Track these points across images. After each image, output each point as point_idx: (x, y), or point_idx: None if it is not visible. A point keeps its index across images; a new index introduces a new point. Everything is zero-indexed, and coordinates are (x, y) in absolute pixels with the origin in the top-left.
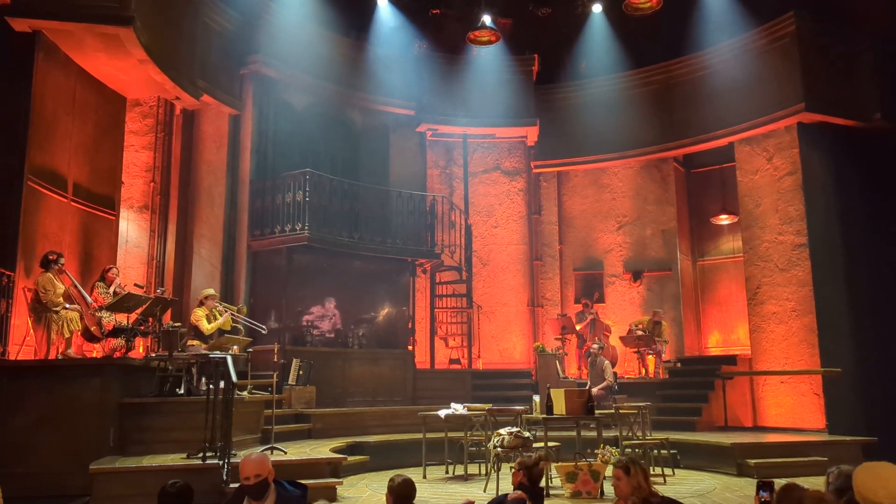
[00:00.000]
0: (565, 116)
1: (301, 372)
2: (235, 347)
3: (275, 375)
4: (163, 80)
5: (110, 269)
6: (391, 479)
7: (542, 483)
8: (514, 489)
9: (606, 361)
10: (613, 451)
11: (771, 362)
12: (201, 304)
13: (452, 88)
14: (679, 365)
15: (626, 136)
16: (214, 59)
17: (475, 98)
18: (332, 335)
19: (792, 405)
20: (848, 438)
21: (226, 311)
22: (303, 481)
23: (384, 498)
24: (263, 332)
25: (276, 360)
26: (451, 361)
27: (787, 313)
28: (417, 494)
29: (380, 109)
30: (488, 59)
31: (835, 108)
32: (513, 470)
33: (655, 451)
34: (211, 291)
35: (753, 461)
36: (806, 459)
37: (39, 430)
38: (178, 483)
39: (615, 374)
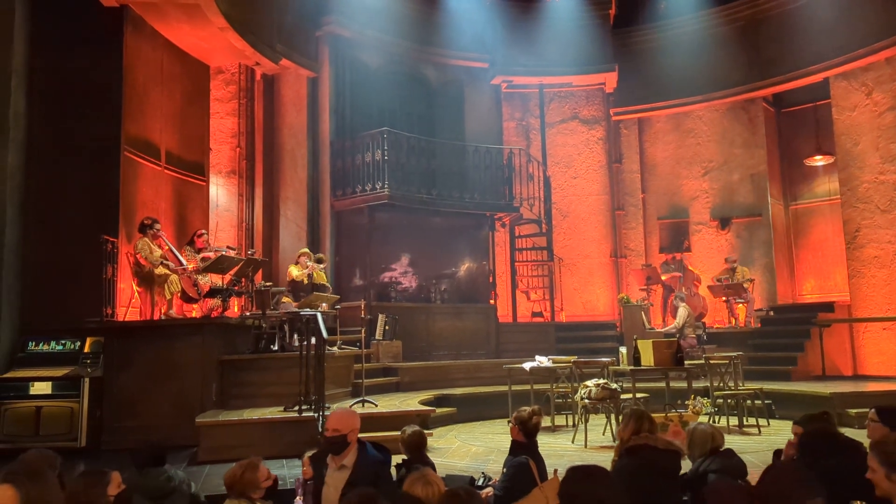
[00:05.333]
0: (645, 60)
1: (387, 327)
2: (324, 305)
3: (362, 331)
4: (243, 47)
5: (202, 234)
6: (402, 431)
7: None
8: (512, 444)
9: (682, 308)
10: (705, 401)
11: (872, 308)
12: (297, 263)
13: (526, 38)
14: (772, 313)
15: (711, 77)
16: (290, 23)
17: (550, 46)
18: (415, 291)
19: (895, 353)
20: None
21: (310, 261)
22: (395, 433)
23: (472, 449)
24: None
25: (362, 316)
26: (534, 315)
27: (889, 257)
28: (505, 446)
29: (453, 64)
30: (563, 4)
31: None
32: (509, 424)
33: (749, 402)
34: (304, 249)
35: (854, 411)
36: None
37: (148, 386)
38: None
39: (703, 324)
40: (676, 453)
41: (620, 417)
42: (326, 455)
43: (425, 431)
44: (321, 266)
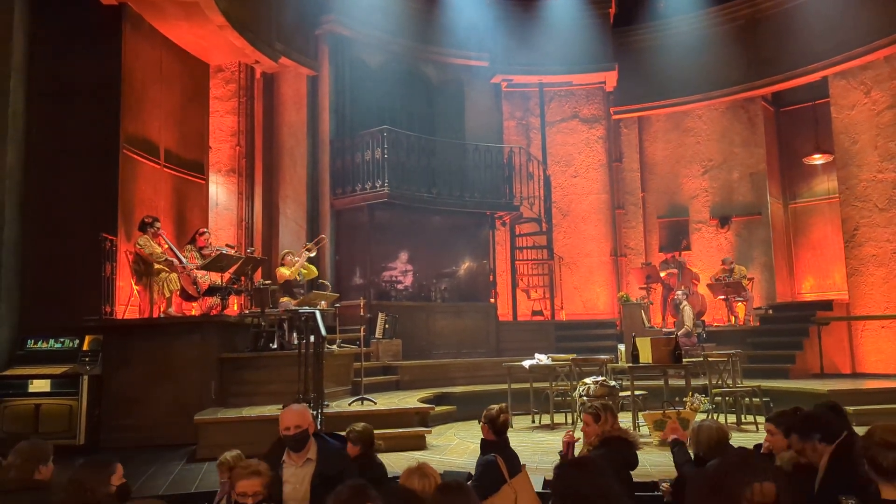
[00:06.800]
0: (645, 59)
1: (387, 326)
2: (323, 303)
3: (362, 329)
4: (242, 45)
5: (203, 233)
6: (351, 429)
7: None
8: (482, 442)
9: (687, 307)
10: (703, 398)
11: (870, 307)
12: (282, 264)
13: (527, 37)
14: (771, 311)
15: (710, 76)
16: (290, 21)
17: (550, 45)
18: (415, 289)
19: (893, 351)
20: None
21: (297, 256)
22: (393, 430)
23: (470, 446)
24: (324, 238)
25: (362, 314)
26: (534, 313)
27: (887, 255)
28: None
29: (454, 63)
30: (563, 3)
31: None
32: (480, 423)
33: (746, 399)
34: (287, 250)
35: (852, 408)
36: None
37: (147, 384)
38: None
39: (703, 322)
40: (636, 447)
41: (582, 415)
42: (278, 455)
43: (423, 429)
44: (310, 253)
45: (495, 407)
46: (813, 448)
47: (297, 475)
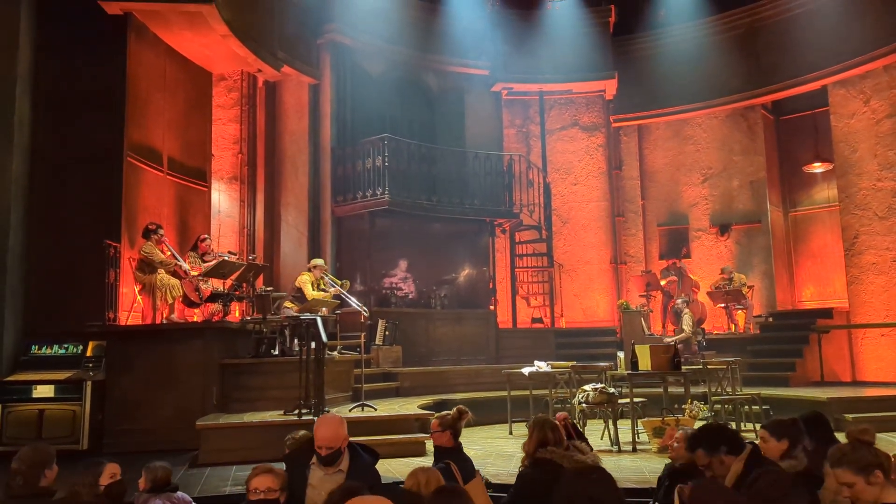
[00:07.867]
0: (645, 68)
1: (387, 332)
2: (324, 309)
3: (362, 336)
4: (245, 54)
5: (205, 239)
6: (289, 437)
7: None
8: (435, 450)
9: (688, 314)
10: (702, 406)
11: (871, 314)
12: (309, 270)
13: (527, 45)
14: (771, 319)
15: (710, 84)
16: (292, 31)
17: (551, 54)
18: (415, 296)
19: (893, 359)
20: None
21: (332, 286)
22: (394, 436)
23: (470, 452)
24: (366, 314)
25: (362, 321)
26: (534, 320)
27: (887, 263)
28: (503, 449)
29: (454, 71)
30: (563, 12)
31: None
32: (432, 433)
33: (746, 407)
34: (320, 262)
35: (852, 416)
36: None
37: (149, 390)
38: None
39: (703, 330)
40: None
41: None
42: (307, 454)
43: (423, 436)
44: (342, 289)
45: (449, 413)
46: (720, 461)
47: (323, 482)
